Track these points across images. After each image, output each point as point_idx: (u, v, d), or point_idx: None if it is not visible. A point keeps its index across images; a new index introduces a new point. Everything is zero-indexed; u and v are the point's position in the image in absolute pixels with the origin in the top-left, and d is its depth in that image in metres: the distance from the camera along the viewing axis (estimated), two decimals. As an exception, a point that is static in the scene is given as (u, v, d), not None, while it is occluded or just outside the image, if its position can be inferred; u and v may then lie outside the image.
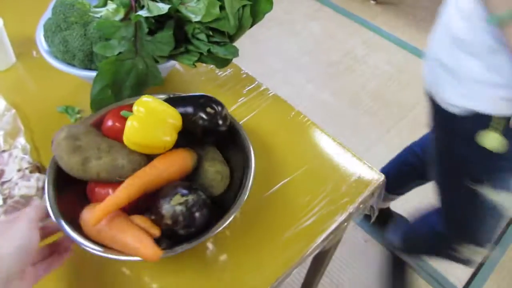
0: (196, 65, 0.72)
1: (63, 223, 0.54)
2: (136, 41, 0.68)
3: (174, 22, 0.70)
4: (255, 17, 0.69)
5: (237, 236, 0.65)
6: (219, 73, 0.90)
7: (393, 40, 2.42)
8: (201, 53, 0.71)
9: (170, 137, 0.58)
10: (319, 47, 2.37)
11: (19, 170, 0.68)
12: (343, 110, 2.04)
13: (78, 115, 0.80)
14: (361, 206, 0.72)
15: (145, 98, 0.58)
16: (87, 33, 0.72)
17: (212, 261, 0.63)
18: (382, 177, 0.74)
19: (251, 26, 0.70)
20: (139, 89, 0.68)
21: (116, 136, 0.59)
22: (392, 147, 1.90)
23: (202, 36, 0.69)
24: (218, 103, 0.62)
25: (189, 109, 0.60)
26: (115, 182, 0.56)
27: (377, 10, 2.63)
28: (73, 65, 0.75)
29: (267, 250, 0.64)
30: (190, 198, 0.54)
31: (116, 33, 0.69)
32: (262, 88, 0.87)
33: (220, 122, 0.62)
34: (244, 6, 0.67)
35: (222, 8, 0.66)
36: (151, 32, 0.70)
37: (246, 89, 0.87)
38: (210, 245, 0.65)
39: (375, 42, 2.41)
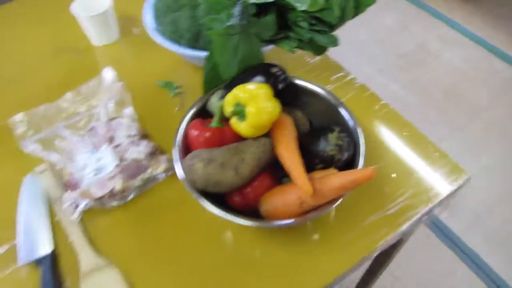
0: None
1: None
2: (242, 19, 0.72)
3: (276, 8, 0.74)
4: (358, 9, 0.71)
5: (326, 218, 0.69)
6: (308, 59, 0.93)
7: (470, 36, 2.32)
8: (299, 40, 0.74)
9: (279, 105, 0.62)
10: (390, 38, 2.32)
11: (128, 137, 0.75)
12: (413, 104, 2.00)
13: (177, 91, 0.87)
14: (444, 201, 0.73)
15: (240, 86, 0.62)
16: (196, 15, 0.77)
17: (305, 238, 0.67)
18: (467, 176, 0.75)
19: (353, 17, 0.72)
20: (241, 67, 0.70)
21: (203, 145, 0.63)
22: (462, 147, 1.86)
23: (305, 24, 0.71)
24: (275, 64, 0.68)
25: (260, 78, 0.66)
26: (256, 177, 0.61)
27: (453, 4, 2.53)
28: (179, 44, 0.80)
29: (353, 232, 0.67)
30: (336, 129, 0.63)
31: (223, 10, 0.73)
32: (349, 77, 0.90)
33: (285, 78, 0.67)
34: (349, -3, 0.69)
35: (327, -3, 0.69)
36: (255, 15, 0.74)
37: (334, 77, 0.90)
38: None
39: (450, 36, 2.33)
